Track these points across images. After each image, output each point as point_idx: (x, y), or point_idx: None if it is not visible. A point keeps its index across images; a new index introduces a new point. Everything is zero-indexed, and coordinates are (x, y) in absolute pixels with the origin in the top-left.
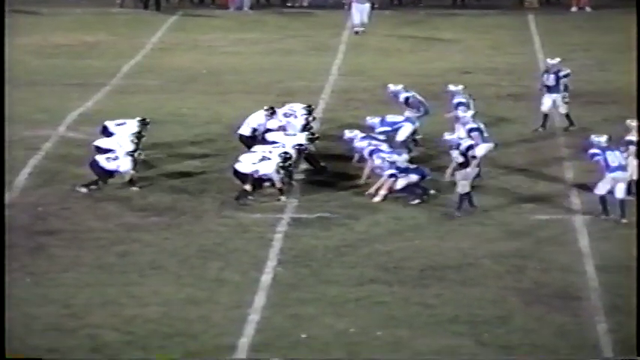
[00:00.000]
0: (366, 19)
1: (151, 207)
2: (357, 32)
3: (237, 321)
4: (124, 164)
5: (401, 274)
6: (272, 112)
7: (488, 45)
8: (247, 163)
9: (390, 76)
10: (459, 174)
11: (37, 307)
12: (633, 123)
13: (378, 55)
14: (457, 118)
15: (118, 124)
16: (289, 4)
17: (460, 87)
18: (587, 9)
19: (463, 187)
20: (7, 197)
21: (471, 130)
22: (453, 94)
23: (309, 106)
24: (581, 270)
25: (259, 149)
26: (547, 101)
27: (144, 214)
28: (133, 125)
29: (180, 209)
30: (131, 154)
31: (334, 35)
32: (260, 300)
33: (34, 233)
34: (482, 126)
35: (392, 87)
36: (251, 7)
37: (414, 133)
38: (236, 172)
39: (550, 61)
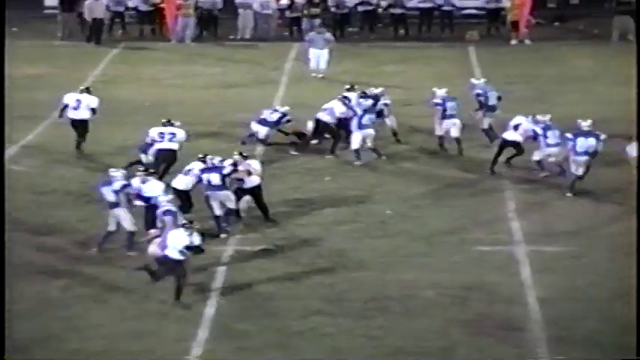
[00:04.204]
0: (323, 66)
1: (92, 240)
2: (315, 76)
3: (180, 354)
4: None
5: (345, 305)
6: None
7: (429, 77)
8: None
9: None
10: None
11: None
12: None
13: (319, 88)
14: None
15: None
16: (231, 37)
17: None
18: (527, 41)
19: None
20: None
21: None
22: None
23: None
24: (523, 301)
25: None
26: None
27: (86, 247)
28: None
29: (123, 241)
30: None
31: (276, 68)
32: (203, 333)
33: None
34: None
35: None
36: (193, 40)
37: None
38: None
39: (474, 81)
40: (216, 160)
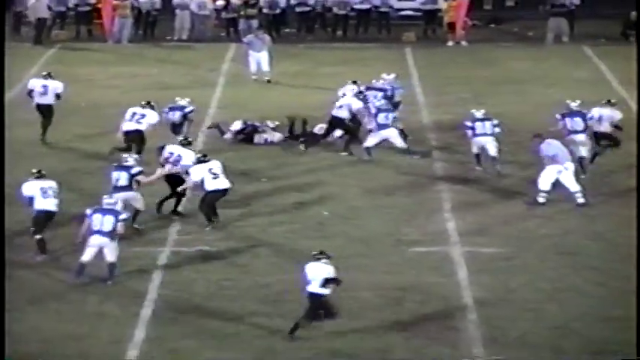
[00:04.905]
0: (267, 67)
1: (28, 243)
2: (255, 80)
3: (116, 356)
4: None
5: (281, 307)
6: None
7: (367, 78)
8: None
9: (270, 109)
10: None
11: None
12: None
13: (257, 89)
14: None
15: None
16: (168, 38)
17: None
18: (464, 43)
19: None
20: None
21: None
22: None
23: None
24: (459, 302)
25: None
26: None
27: (21, 249)
28: None
29: (59, 244)
30: None
31: (213, 69)
32: (140, 334)
33: None
34: None
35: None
36: (130, 40)
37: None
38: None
39: (385, 76)
40: (132, 160)
